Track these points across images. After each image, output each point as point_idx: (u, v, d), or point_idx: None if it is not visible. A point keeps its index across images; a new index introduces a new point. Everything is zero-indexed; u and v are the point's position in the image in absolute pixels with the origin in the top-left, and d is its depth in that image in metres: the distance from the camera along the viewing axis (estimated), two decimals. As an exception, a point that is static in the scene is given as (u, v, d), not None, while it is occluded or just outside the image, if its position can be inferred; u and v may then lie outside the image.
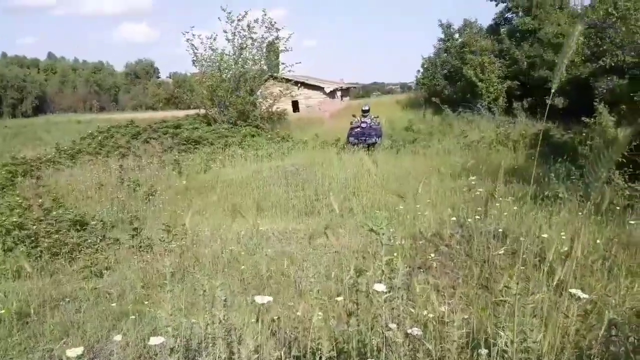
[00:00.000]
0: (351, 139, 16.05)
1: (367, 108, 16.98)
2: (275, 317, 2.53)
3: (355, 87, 50.69)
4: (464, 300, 4.07)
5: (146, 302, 4.36)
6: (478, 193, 7.31)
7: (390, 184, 9.62)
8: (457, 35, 27.44)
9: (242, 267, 5.59)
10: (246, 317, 2.47)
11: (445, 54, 27.23)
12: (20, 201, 9.88)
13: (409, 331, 1.98)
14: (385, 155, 13.75)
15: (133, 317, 3.72)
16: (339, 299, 3.02)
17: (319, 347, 2.11)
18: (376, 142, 15.73)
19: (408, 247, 5.58)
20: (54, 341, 3.44)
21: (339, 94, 35.55)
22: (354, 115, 17.17)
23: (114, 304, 4.32)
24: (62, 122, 37.34)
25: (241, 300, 3.99)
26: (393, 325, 2.04)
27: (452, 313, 2.24)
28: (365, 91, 67.14)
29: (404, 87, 67.19)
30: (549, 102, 2.81)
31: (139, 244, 7.02)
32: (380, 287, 2.23)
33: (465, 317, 2.55)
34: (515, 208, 6.48)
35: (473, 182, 8.32)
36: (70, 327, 3.79)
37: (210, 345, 2.21)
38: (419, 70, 30.15)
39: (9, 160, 16.79)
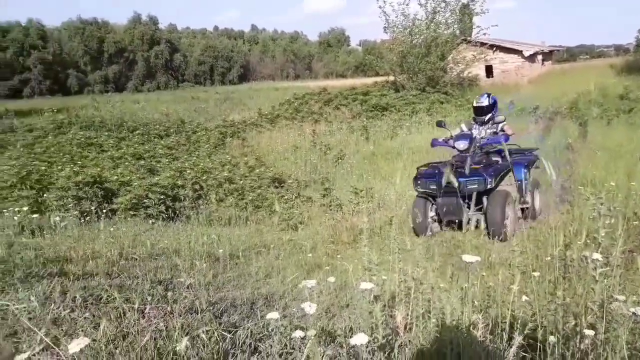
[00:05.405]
0: (420, 182, 6.07)
1: (486, 102, 6.58)
2: (469, 283, 2.46)
3: (559, 50, 46.07)
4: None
5: (339, 256, 4.61)
6: None
7: (599, 158, 8.57)
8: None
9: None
10: (438, 280, 2.45)
11: (678, 9, 23.07)
12: (229, 159, 11.25)
13: (632, 310, 1.76)
14: (594, 126, 12.25)
15: (327, 267, 3.97)
16: (535, 274, 2.82)
17: (521, 315, 2.00)
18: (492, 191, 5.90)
19: (618, 229, 4.94)
20: (259, 281, 3.86)
21: (539, 57, 32.49)
22: (440, 124, 6.74)
23: (309, 255, 4.66)
24: (263, 89, 40.88)
25: (426, 265, 3.99)
26: (621, 297, 1.83)
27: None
28: (570, 54, 60.59)
29: (619, 50, 58.92)
30: None
31: (329, 203, 7.43)
32: (597, 255, 2.01)
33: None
34: None
35: None
36: (272, 271, 4.20)
37: (404, 300, 2.25)
38: (640, 30, 26.18)
39: (220, 122, 19.17)
